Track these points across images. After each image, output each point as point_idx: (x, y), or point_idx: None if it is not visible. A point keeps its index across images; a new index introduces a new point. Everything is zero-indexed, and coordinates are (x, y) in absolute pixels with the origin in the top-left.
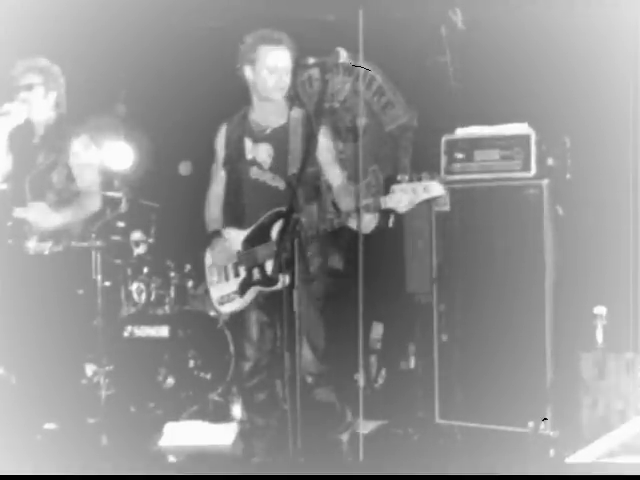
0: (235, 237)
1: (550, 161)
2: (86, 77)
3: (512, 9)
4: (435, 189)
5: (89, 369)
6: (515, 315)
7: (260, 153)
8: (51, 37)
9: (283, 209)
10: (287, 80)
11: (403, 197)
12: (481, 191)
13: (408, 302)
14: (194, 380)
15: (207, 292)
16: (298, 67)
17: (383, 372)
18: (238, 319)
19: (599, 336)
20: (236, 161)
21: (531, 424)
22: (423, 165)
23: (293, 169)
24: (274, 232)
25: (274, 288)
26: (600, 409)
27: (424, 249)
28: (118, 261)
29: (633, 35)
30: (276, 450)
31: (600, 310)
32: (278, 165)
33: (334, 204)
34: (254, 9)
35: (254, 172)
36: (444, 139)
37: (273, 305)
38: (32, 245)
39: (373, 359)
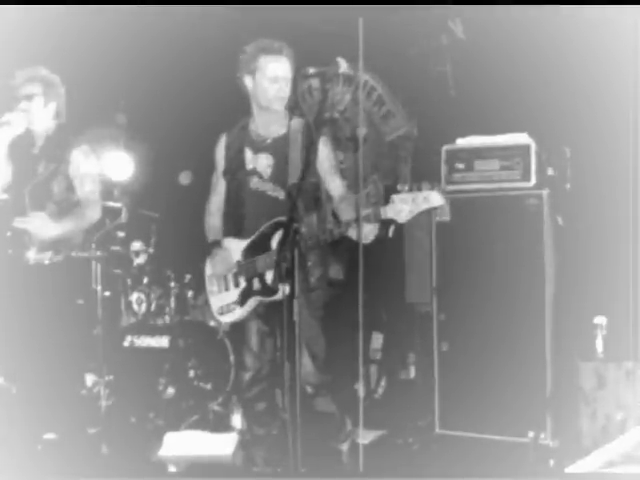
0: (235, 247)
1: (550, 171)
2: (86, 87)
3: (511, 19)
4: (435, 199)
5: (89, 379)
6: (515, 325)
7: (260, 163)
8: (51, 47)
9: (283, 219)
10: (287, 90)
11: (403, 207)
12: (481, 201)
13: (408, 312)
14: (194, 390)
15: (207, 302)
16: (298, 77)
17: (383, 382)
18: (238, 329)
19: (599, 346)
20: (236, 171)
21: (531, 434)
22: (423, 175)
23: (293, 179)
24: (274, 242)
25: (274, 298)
26: (600, 419)
27: (424, 259)
28: (118, 271)
29: (633, 45)
30: (276, 460)
31: (600, 320)
32: (278, 175)
33: (334, 214)
34: (254, 19)
35: (254, 182)
36: (444, 149)
37: (273, 315)
38: (32, 255)
39: (373, 369)
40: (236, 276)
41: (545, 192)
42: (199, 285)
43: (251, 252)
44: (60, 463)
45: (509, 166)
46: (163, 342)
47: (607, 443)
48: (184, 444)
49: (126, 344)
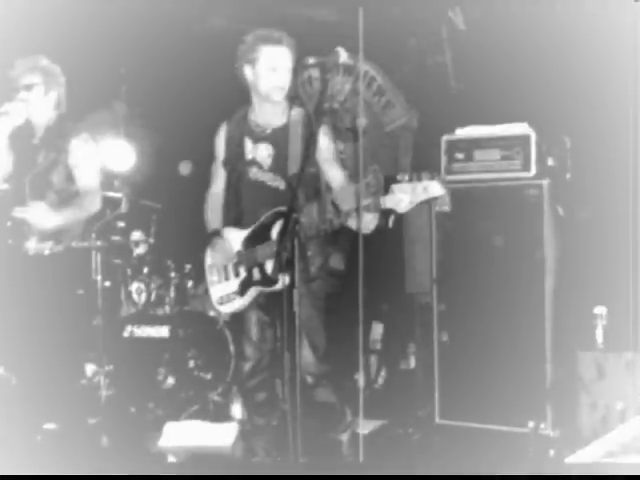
0: (235, 237)
1: (550, 161)
2: (86, 77)
3: (512, 9)
4: (435, 189)
5: (89, 369)
6: (515, 315)
7: (260, 153)
8: (51, 36)
9: (283, 209)
10: (287, 80)
11: (403, 197)
12: (481, 191)
13: (408, 302)
14: (194, 380)
15: (207, 292)
16: (298, 67)
17: (383, 372)
18: (238, 319)
19: (599, 336)
20: (236, 161)
21: (531, 424)
22: (423, 165)
23: (293, 169)
24: (274, 232)
25: (274, 288)
26: (600, 409)
27: (424, 249)
28: (118, 261)
29: (633, 35)
30: (276, 450)
31: (600, 310)
32: (278, 165)
33: (334, 204)
34: (254, 8)
35: (254, 172)
36: (444, 139)
37: (273, 305)
38: (32, 245)
39: (373, 359)
40: (236, 266)
41: (545, 182)
42: (199, 275)
43: (251, 242)
44: (60, 453)
45: (509, 156)
46: (163, 332)
47: (607, 433)
48: (184, 434)
49: (126, 334)
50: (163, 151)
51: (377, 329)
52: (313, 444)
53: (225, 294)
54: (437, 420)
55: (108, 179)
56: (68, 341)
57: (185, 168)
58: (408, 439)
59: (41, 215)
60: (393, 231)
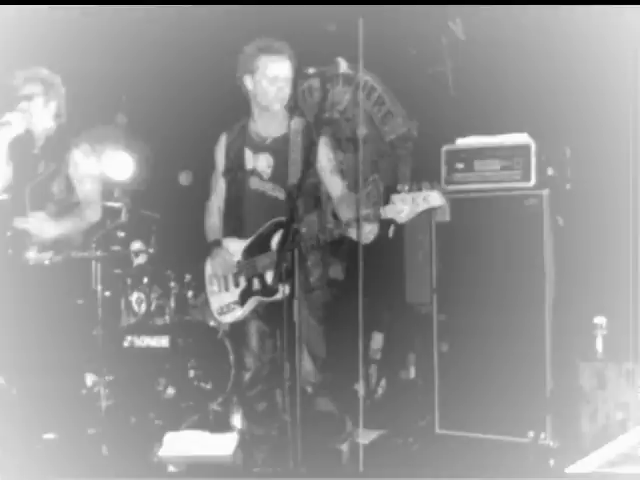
0: (235, 247)
1: (550, 171)
2: (87, 87)
3: (512, 19)
4: (435, 199)
5: (89, 379)
6: (515, 325)
7: (260, 163)
8: (52, 47)
9: (283, 219)
10: (287, 90)
11: (403, 207)
12: (481, 201)
13: (408, 312)
14: (194, 390)
15: (207, 302)
16: (298, 77)
17: (383, 382)
18: (238, 329)
19: (599, 346)
20: (236, 171)
21: (531, 434)
22: (423, 175)
23: (293, 179)
24: (274, 242)
25: (274, 298)
26: (600, 419)
27: (424, 259)
28: (118, 271)
29: (633, 45)
30: (276, 460)
31: (600, 320)
32: (278, 175)
33: (334, 214)
34: (254, 19)
35: (254, 182)
36: (444, 149)
37: (273, 315)
38: (32, 255)
39: (373, 369)
40: (236, 276)
41: (545, 192)
42: (199, 285)
43: (251, 252)
44: (60, 463)
45: (509, 166)
46: (163, 342)
47: (607, 443)
48: (184, 444)
49: (126, 344)
50: (163, 161)
51: (377, 339)
52: (313, 454)
53: (225, 304)
54: (437, 430)
55: (108, 189)
56: (68, 351)
57: (185, 178)
58: (408, 449)
59: (41, 225)
60: (393, 241)
